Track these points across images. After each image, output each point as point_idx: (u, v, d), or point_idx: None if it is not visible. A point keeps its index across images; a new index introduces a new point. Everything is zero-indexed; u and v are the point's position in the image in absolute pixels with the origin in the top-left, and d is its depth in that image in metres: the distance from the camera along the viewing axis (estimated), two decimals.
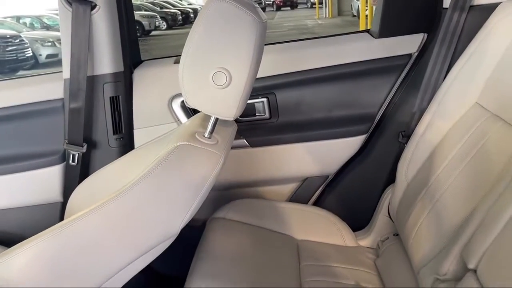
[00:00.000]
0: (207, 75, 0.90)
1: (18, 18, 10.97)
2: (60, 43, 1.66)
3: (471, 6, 1.30)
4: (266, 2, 26.93)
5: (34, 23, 11.17)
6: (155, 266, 1.65)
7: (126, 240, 0.92)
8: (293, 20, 18.67)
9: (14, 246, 0.88)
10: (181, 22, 18.18)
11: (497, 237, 0.80)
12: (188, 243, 1.39)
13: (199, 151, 0.94)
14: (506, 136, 0.99)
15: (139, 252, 0.92)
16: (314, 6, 23.51)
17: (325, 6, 19.53)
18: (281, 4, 26.49)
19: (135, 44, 1.67)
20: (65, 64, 1.45)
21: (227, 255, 1.24)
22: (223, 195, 1.69)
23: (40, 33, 10.42)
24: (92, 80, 1.49)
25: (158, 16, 16.82)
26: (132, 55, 1.61)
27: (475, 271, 0.82)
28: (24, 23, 11.04)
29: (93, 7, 1.39)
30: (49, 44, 9.80)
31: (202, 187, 0.94)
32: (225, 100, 0.94)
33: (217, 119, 0.99)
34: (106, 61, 1.49)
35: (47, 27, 10.59)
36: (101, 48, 1.46)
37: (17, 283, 0.91)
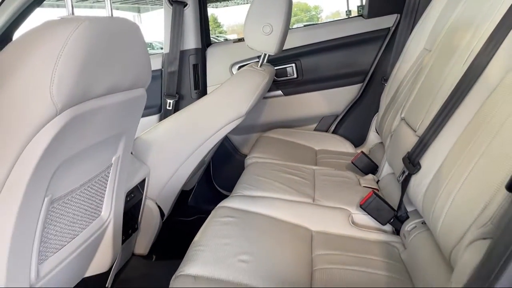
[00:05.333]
0: (259, 27, 1.71)
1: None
2: None
3: None
4: None
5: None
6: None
7: (216, 114, 1.72)
8: None
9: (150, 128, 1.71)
10: None
11: None
12: None
13: (254, 71, 1.75)
14: (437, 61, 1.70)
15: (225, 122, 1.72)
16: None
17: None
18: None
19: (208, 31, 2.51)
20: (166, 43, 2.30)
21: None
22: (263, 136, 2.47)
23: None
24: (182, 53, 2.32)
25: None
26: (206, 38, 2.45)
27: None
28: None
29: (185, 5, 2.24)
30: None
31: (257, 89, 1.73)
32: (269, 42, 1.74)
33: (265, 54, 1.79)
34: (191, 41, 2.33)
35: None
36: (188, 32, 2.31)
37: (162, 139, 1.74)
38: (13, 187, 0.81)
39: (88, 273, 1.35)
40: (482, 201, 0.80)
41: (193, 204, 2.38)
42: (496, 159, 0.85)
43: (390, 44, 2.26)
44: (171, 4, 2.22)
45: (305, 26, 2.51)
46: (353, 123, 2.38)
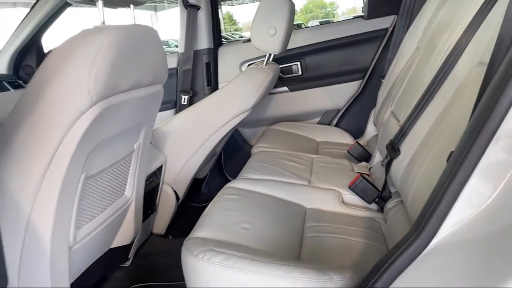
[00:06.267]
0: (264, 29, 1.90)
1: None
2: None
3: None
4: None
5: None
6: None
7: (226, 108, 1.92)
8: None
9: (167, 120, 1.91)
10: None
11: None
12: None
13: (260, 69, 1.94)
14: (421, 59, 1.88)
15: (233, 115, 1.92)
16: None
17: None
18: None
19: (219, 32, 2.71)
20: (181, 43, 2.50)
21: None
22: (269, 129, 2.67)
23: None
24: (196, 52, 2.53)
25: None
26: (217, 38, 2.65)
27: None
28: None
29: (198, 9, 2.44)
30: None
31: (262, 85, 1.93)
32: (273, 43, 1.93)
33: (270, 54, 1.98)
34: (204, 41, 2.53)
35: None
36: (201, 33, 2.51)
37: (177, 130, 1.94)
38: (58, 163, 1.02)
39: (114, 244, 1.56)
40: (436, 176, 0.98)
41: (205, 191, 2.59)
42: (452, 140, 1.02)
43: (388, 43, 2.42)
44: (186, 8, 2.42)
45: (310, 27, 2.66)
46: (353, 117, 2.56)
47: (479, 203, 0.70)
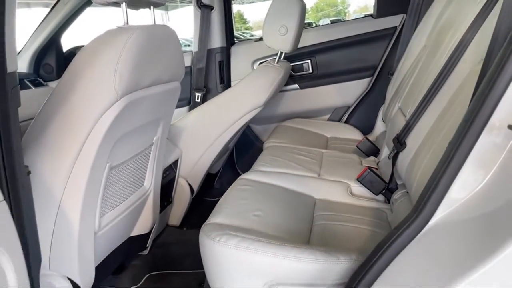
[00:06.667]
0: (276, 28, 1.97)
1: None
2: None
3: None
4: None
5: None
6: None
7: (238, 105, 2.00)
8: None
9: (182, 117, 2.00)
10: None
11: None
12: None
13: (271, 67, 2.02)
14: (428, 56, 1.93)
15: (245, 111, 2.00)
16: None
17: None
18: None
19: (232, 31, 2.79)
20: (195, 42, 2.59)
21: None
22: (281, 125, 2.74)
23: None
24: (209, 51, 2.61)
25: None
26: (230, 37, 2.73)
27: None
28: None
29: (212, 9, 2.52)
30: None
31: (274, 82, 2.00)
32: (285, 42, 2.00)
33: (281, 52, 2.06)
34: (217, 40, 2.61)
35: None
36: (214, 33, 2.59)
37: (192, 126, 2.03)
38: (87, 153, 1.11)
39: (134, 233, 1.65)
40: None
41: (218, 186, 2.67)
42: (453, 132, 1.09)
43: (396, 41, 2.48)
44: (200, 8, 2.51)
45: (320, 26, 2.73)
46: (363, 113, 2.62)
47: (472, 187, 0.76)
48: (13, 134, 0.84)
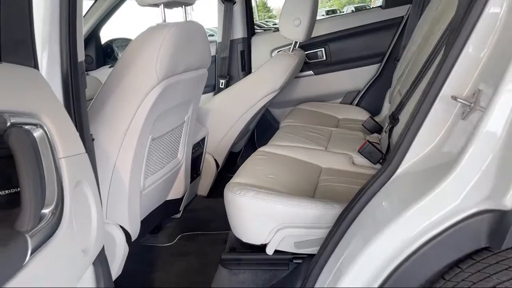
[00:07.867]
0: (290, 20, 2.23)
1: None
2: None
3: None
4: None
5: None
6: None
7: (257, 89, 2.27)
8: None
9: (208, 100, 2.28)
10: None
11: None
12: None
13: (287, 55, 2.28)
14: (422, 44, 2.14)
15: (263, 95, 2.26)
16: None
17: None
18: None
19: (252, 23, 3.05)
20: (219, 33, 2.86)
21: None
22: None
23: None
24: (232, 42, 2.88)
25: None
26: (250, 29, 2.99)
27: None
28: None
29: (234, 3, 2.79)
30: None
31: (289, 69, 2.26)
32: (299, 32, 2.26)
33: (296, 42, 2.31)
34: (238, 31, 2.88)
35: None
36: (236, 25, 2.86)
37: (217, 108, 2.31)
38: (136, 124, 1.40)
39: (169, 197, 1.96)
40: None
41: (240, 163, 2.96)
42: None
43: (403, 30, 2.69)
44: (223, 2, 2.78)
45: (333, 16, 2.95)
46: (372, 97, 2.86)
47: (426, 146, 1.02)
48: (83, 109, 1.13)
